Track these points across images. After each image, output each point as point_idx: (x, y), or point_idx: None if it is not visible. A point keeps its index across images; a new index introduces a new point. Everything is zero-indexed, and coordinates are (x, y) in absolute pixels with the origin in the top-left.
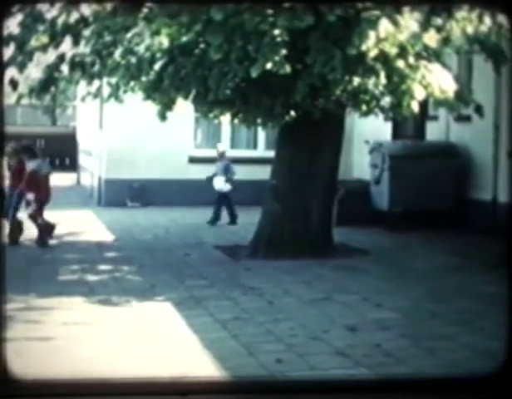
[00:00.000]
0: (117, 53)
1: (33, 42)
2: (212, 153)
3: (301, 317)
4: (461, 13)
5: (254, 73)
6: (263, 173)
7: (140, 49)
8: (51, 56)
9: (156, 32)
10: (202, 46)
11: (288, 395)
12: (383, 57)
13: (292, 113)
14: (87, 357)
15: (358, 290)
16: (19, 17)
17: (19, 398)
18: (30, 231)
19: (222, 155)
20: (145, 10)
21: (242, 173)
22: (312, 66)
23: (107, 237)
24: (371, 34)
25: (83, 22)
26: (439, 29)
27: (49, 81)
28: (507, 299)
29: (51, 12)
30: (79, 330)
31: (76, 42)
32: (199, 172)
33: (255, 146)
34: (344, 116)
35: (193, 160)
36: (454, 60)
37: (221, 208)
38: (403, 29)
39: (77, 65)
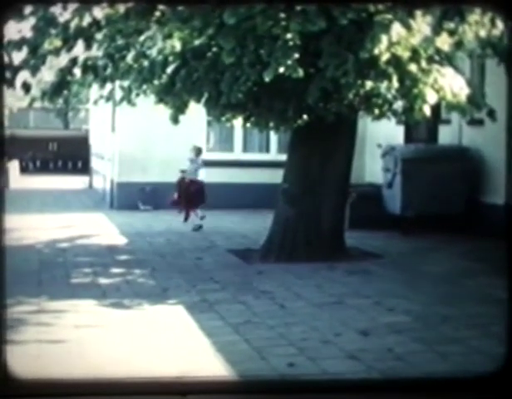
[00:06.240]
0: (129, 56)
1: (46, 46)
2: (224, 156)
3: (312, 320)
4: (474, 17)
5: (267, 77)
6: (276, 176)
7: (153, 52)
8: (63, 59)
9: (169, 36)
10: (214, 49)
11: (289, 394)
12: (395, 61)
13: (305, 117)
14: (99, 359)
15: (370, 294)
16: (32, 21)
17: (19, 398)
18: (42, 233)
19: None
20: (158, 13)
21: (254, 176)
22: (325, 69)
23: (119, 240)
24: (384, 38)
25: (96, 25)
26: (451, 33)
27: (62, 84)
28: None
29: (63, 16)
30: (91, 333)
31: (88, 46)
32: (211, 175)
33: (267, 150)
34: (356, 120)
35: (205, 164)
36: (466, 63)
37: None
38: (415, 33)
39: (90, 68)
